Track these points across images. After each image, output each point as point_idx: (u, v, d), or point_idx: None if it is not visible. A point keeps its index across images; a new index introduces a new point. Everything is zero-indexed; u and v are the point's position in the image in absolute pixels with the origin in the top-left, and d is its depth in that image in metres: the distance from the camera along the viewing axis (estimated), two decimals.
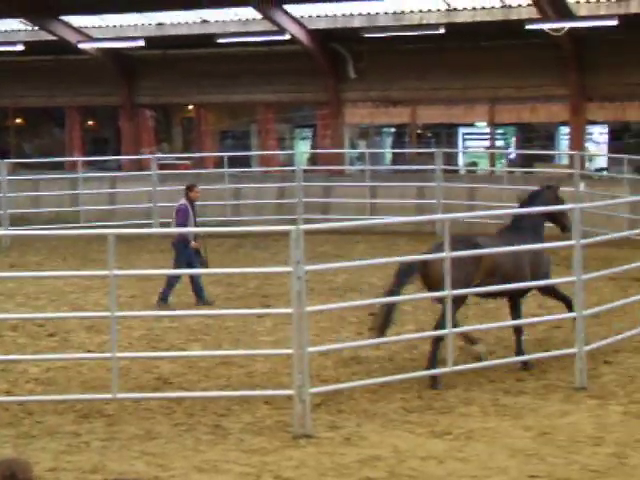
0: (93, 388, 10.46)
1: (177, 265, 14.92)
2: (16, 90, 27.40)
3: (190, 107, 27.54)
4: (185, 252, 14.90)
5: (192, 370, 11.13)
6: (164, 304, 14.61)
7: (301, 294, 9.00)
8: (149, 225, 21.94)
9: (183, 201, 15.30)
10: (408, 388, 10.22)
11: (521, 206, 11.97)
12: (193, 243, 15.01)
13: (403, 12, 22.66)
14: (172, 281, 14.66)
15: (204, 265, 15.05)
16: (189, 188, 15.43)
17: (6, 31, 26.05)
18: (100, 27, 25.35)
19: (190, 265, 14.76)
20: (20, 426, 9.39)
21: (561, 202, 12.16)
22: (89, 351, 12.05)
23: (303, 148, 27.76)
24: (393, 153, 26.71)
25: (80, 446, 8.81)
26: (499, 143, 26.35)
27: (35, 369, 11.21)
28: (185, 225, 14.95)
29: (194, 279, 14.82)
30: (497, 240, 11.31)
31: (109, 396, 9.50)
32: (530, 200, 11.94)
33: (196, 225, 15.42)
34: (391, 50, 23.60)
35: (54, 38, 25.02)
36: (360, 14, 23.02)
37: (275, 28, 23.03)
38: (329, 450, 8.57)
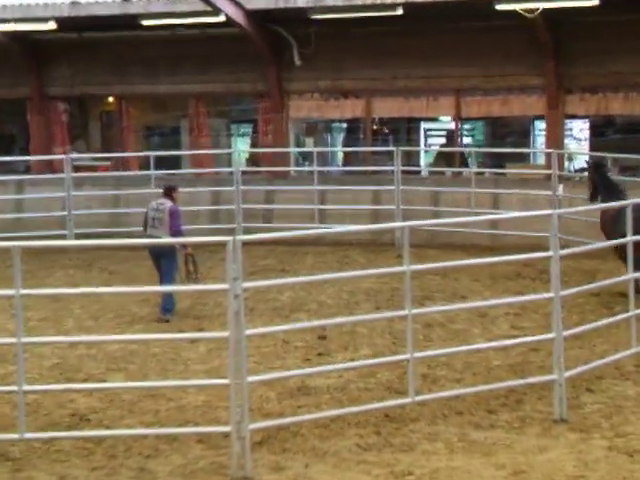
0: None
1: (171, 274, 15.40)
2: None
3: (110, 99, 27.38)
4: (176, 259, 15.46)
5: (113, 404, 11.06)
6: (170, 315, 15.34)
7: (239, 315, 8.98)
8: (63, 237, 21.79)
9: (170, 202, 15.64)
10: (364, 422, 10.23)
11: (600, 176, 16.54)
12: (189, 249, 15.66)
13: None
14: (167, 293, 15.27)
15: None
16: (173, 189, 15.94)
17: None
18: (4, 6, 25.09)
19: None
20: None
21: None
22: None
23: (242, 146, 27.74)
24: (345, 152, 26.78)
25: None
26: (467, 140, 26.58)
27: None
28: (182, 230, 15.53)
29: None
30: None
31: (15, 436, 9.41)
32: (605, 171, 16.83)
33: None
34: (342, 34, 23.67)
35: None
36: None
37: (207, 8, 22.97)
38: None
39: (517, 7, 21.18)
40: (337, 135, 27.71)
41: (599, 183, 16.89)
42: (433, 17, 22.68)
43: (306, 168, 25.15)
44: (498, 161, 24.68)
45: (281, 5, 23.28)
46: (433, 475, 8.89)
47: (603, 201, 16.12)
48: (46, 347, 13.26)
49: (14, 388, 9.63)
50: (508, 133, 26.80)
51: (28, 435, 9.38)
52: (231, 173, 23.09)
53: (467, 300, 15.86)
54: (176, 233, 15.26)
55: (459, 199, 21.74)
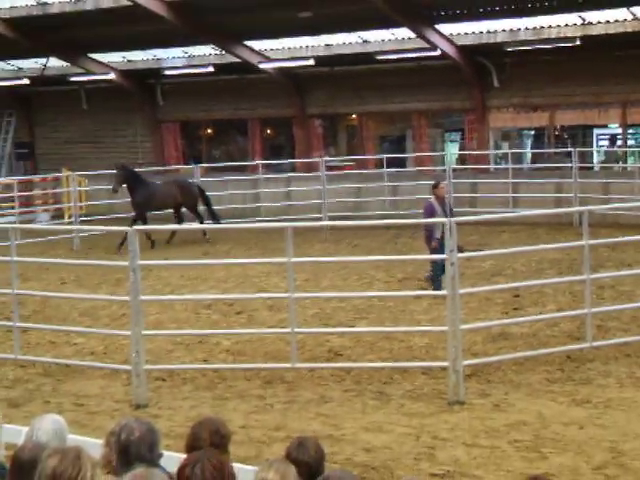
0: (275, 358, 10.63)
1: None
2: (207, 105, 28.11)
3: (353, 116, 27.65)
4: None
5: (359, 344, 11.20)
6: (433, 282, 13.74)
7: (455, 278, 8.93)
8: (319, 219, 22.15)
9: (431, 199, 14.28)
10: (550, 362, 9.99)
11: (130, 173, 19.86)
12: (433, 243, 13.47)
13: (542, 27, 22.06)
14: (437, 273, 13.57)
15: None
16: (434, 186, 14.33)
17: (199, 55, 26.77)
18: (277, 49, 25.71)
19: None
20: (215, 390, 9.67)
21: None
22: (271, 327, 12.24)
23: (452, 150, 27.46)
24: (533, 153, 26.12)
25: (265, 407, 9.00)
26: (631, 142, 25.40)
27: (226, 342, 11.51)
28: (428, 226, 13.72)
29: (433, 266, 13.83)
30: None
31: (288, 365, 9.68)
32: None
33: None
34: (531, 61, 23.05)
35: (238, 60, 25.50)
36: (503, 30, 22.53)
37: (427, 45, 22.84)
38: (480, 415, 8.49)
39: None
40: (526, 140, 27.03)
41: (132, 179, 19.77)
42: (605, 46, 21.72)
43: (502, 166, 24.65)
44: None
45: (484, 41, 22.92)
46: (607, 403, 8.60)
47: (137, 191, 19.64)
48: (309, 301, 13.49)
49: (287, 330, 9.89)
50: None
51: (297, 365, 9.62)
52: (444, 170, 22.91)
53: (633, 267, 15.16)
54: (424, 228, 14.09)
55: (625, 188, 20.83)
